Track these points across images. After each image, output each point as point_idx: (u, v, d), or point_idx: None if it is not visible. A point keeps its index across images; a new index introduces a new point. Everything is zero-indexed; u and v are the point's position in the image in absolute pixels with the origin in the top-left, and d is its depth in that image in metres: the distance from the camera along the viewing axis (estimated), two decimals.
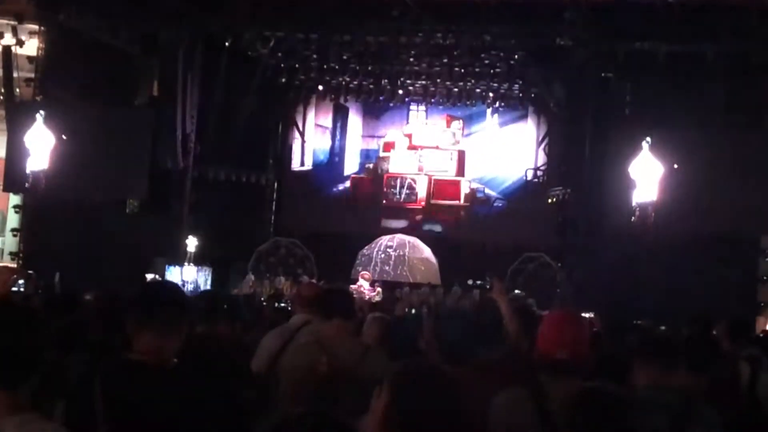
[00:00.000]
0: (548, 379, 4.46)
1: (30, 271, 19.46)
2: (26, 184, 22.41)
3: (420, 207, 29.18)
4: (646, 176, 20.57)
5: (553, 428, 4.21)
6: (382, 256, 27.18)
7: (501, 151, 28.84)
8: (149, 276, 21.78)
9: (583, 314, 14.18)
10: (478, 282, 7.42)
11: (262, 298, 19.69)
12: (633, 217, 20.50)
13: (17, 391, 3.26)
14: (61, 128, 22.20)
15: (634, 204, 20.58)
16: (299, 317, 6.98)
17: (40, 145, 22.25)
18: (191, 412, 4.05)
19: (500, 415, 4.45)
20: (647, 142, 20.49)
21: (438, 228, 28.94)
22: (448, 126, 29.35)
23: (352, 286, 22.90)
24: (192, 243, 24.55)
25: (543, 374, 4.51)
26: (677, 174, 20.00)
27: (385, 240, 27.58)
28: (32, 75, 23.33)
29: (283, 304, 15.50)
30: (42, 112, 22.29)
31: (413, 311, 18.47)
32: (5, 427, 3.17)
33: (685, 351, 4.90)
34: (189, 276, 24.09)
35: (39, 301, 9.72)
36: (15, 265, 21.65)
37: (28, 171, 22.29)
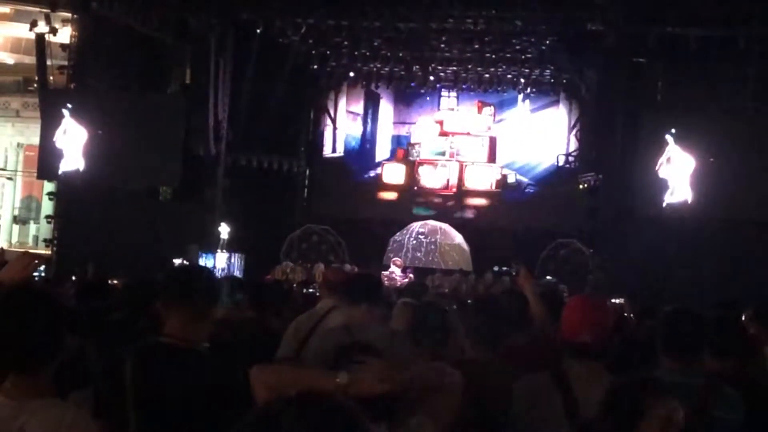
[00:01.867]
0: (572, 362, 4.49)
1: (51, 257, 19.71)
2: (60, 172, 22.64)
3: (451, 193, 29.16)
4: (677, 175, 20.60)
5: (575, 411, 4.24)
6: (414, 242, 27.21)
7: (532, 137, 28.76)
8: (176, 261, 21.93)
9: (614, 299, 14.24)
10: (505, 269, 7.50)
11: (294, 285, 19.78)
12: (664, 204, 20.56)
13: (37, 376, 3.29)
14: (95, 118, 22.37)
15: (665, 205, 20.67)
16: (326, 302, 7.02)
17: (72, 142, 22.43)
18: (220, 395, 4.10)
19: (523, 398, 4.49)
20: (672, 134, 20.45)
21: (469, 214, 28.91)
22: (480, 112, 29.29)
23: (384, 273, 22.96)
24: (224, 229, 24.66)
25: (566, 358, 4.54)
26: (708, 161, 19.93)
27: (416, 226, 27.59)
28: (65, 63, 23.49)
29: (311, 290, 15.56)
30: (69, 105, 22.43)
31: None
32: (23, 411, 3.21)
33: (712, 335, 4.91)
34: (221, 262, 24.22)
35: (69, 287, 9.84)
36: (44, 252, 21.89)
37: (60, 171, 22.53)
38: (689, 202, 20.67)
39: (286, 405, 2.01)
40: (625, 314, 10.73)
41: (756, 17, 19.94)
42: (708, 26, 21.02)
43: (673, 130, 20.54)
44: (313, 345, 6.34)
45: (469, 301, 10.99)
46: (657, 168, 21.03)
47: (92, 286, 8.89)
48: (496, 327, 5.50)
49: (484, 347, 5.41)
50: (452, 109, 29.62)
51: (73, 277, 14.91)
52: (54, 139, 22.86)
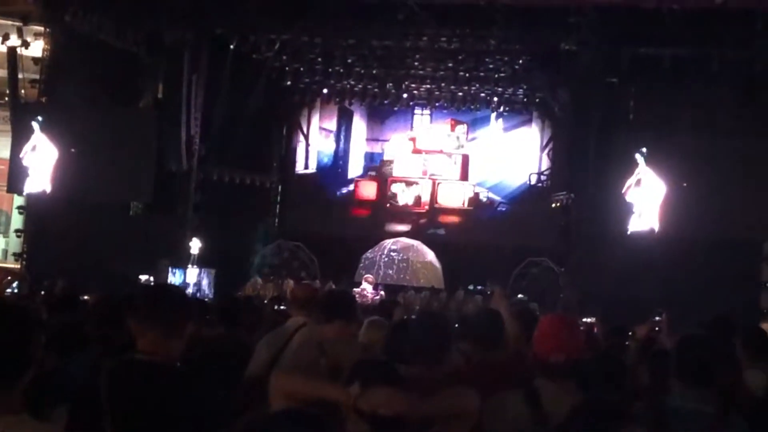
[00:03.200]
0: (544, 380, 4.49)
1: (24, 272, 19.54)
2: (26, 193, 22.48)
3: (424, 211, 29.18)
4: (645, 200, 20.72)
5: (546, 429, 4.23)
6: (386, 259, 27.19)
7: (505, 155, 28.85)
8: (143, 278, 21.82)
9: (585, 319, 14.25)
10: (479, 287, 7.53)
11: (265, 301, 19.69)
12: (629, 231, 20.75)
13: (9, 392, 3.23)
14: (66, 132, 22.21)
15: (630, 232, 20.80)
16: (296, 319, 6.99)
17: (40, 160, 22.26)
18: (194, 412, 4.09)
19: (495, 416, 4.48)
20: (642, 153, 20.57)
21: (442, 232, 28.94)
22: (453, 130, 29.35)
23: (356, 290, 22.91)
24: (195, 245, 24.55)
25: (539, 376, 4.54)
26: (678, 183, 20.06)
27: (388, 243, 27.58)
28: (37, 76, 23.36)
29: (283, 307, 15.50)
30: (40, 119, 22.24)
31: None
32: None
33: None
34: (192, 278, 24.10)
35: (39, 302, 9.75)
36: (13, 266, 21.69)
37: (25, 192, 22.35)
38: (655, 230, 20.79)
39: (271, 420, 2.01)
40: (595, 333, 10.75)
41: (728, 38, 20.09)
42: (681, 47, 21.16)
43: (644, 149, 20.66)
44: (284, 362, 6.33)
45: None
46: (624, 191, 21.12)
47: (62, 301, 8.82)
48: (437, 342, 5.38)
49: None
50: (425, 127, 29.66)
51: (42, 292, 14.78)
52: (21, 156, 22.68)
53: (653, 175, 20.85)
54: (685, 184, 20.20)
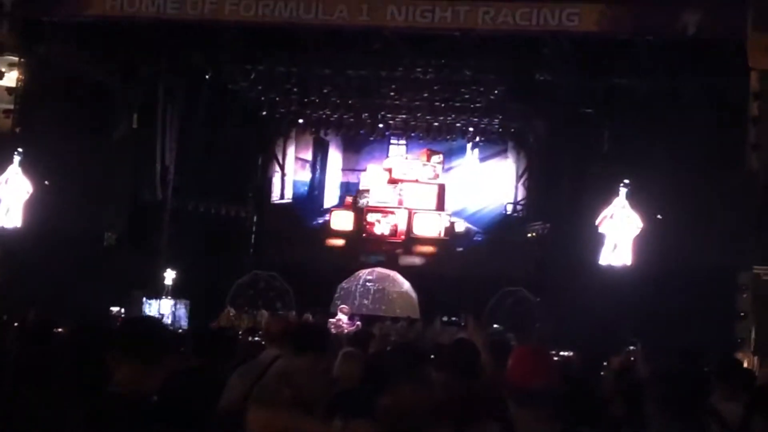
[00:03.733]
0: (518, 409, 4.47)
1: None
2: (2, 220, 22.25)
3: (400, 241, 29.17)
4: (621, 233, 20.70)
5: None
6: (362, 289, 27.12)
7: (481, 185, 28.94)
8: (114, 309, 21.69)
9: (562, 353, 14.26)
10: (453, 318, 7.55)
11: (240, 332, 19.58)
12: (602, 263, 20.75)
13: None
14: (40, 164, 22.01)
15: (605, 265, 20.78)
16: (269, 353, 6.97)
17: (12, 195, 22.04)
18: None
19: None
20: (625, 186, 20.54)
21: (417, 262, 28.93)
22: (428, 160, 29.41)
23: (331, 320, 22.87)
24: (170, 276, 24.43)
25: (513, 405, 4.52)
26: (653, 215, 20.10)
27: (364, 273, 27.53)
28: (11, 107, 23.22)
29: (257, 338, 15.43)
30: (20, 150, 22.01)
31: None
32: None
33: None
34: (166, 309, 23.95)
35: (11, 335, 9.65)
36: None
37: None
38: (628, 264, 20.79)
39: None
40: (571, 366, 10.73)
41: (702, 69, 20.22)
42: (654, 78, 21.29)
43: (626, 181, 20.65)
44: (258, 393, 6.26)
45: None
46: (599, 222, 21.09)
47: (35, 333, 8.72)
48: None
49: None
50: (401, 157, 29.70)
51: (16, 324, 14.64)
52: None
53: (628, 207, 20.85)
54: (659, 216, 20.24)
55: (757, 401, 6.19)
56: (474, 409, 5.02)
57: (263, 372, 6.56)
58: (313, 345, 6.28)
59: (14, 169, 22.06)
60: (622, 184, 20.70)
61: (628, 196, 20.68)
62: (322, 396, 3.85)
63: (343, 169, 30.32)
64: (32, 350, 7.33)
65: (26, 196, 21.96)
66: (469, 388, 5.87)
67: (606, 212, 20.94)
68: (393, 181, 29.51)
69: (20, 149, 22.02)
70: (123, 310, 21.92)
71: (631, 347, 16.83)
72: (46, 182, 21.85)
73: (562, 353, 16.24)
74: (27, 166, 22.01)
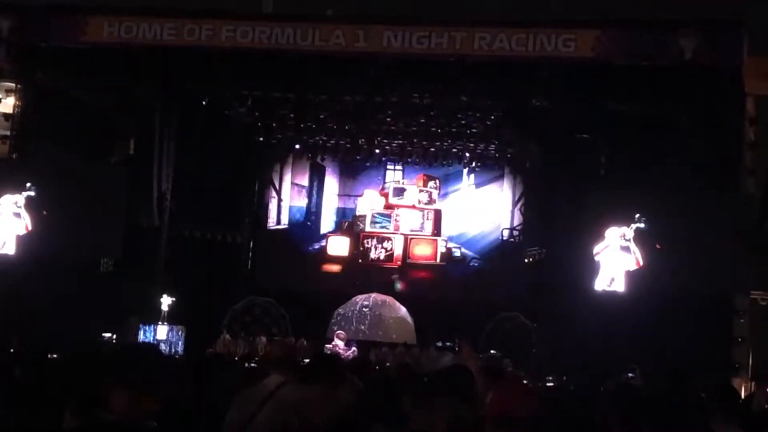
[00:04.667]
0: None
1: None
2: None
3: (396, 266, 29.13)
4: (617, 267, 20.54)
5: None
6: (358, 315, 27.04)
7: (477, 210, 28.94)
8: (106, 335, 21.64)
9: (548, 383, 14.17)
10: (448, 344, 7.56)
11: (236, 358, 19.54)
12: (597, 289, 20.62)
13: None
14: (37, 188, 21.96)
15: (600, 290, 20.65)
16: (275, 378, 6.89)
17: (12, 230, 21.99)
18: None
19: None
20: (639, 220, 20.30)
21: (414, 287, 28.86)
22: (425, 185, 29.42)
23: (327, 346, 22.79)
24: (166, 302, 24.37)
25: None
26: (653, 241, 19.99)
27: (360, 299, 27.46)
28: (8, 132, 23.22)
29: (254, 364, 15.38)
30: (28, 186, 21.87)
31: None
32: None
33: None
34: (162, 335, 23.87)
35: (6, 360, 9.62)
36: None
37: None
38: (622, 292, 20.66)
39: None
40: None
41: (698, 94, 20.27)
42: (649, 103, 21.35)
43: (638, 216, 20.39)
44: (262, 420, 6.21)
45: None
46: (597, 253, 20.89)
47: (28, 359, 8.70)
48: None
49: None
50: (398, 182, 29.71)
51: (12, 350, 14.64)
52: None
53: (632, 242, 20.53)
54: (658, 246, 20.10)
55: (755, 425, 6.18)
56: None
57: (266, 398, 6.50)
58: (327, 375, 6.24)
59: (13, 200, 21.98)
60: (636, 217, 20.41)
61: (637, 231, 20.47)
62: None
63: (340, 195, 30.32)
64: (24, 376, 7.30)
65: (24, 232, 21.87)
66: (466, 413, 5.84)
67: (606, 243, 20.78)
68: (389, 207, 29.51)
69: (28, 185, 21.91)
70: (114, 336, 21.83)
71: (630, 374, 16.80)
72: (45, 212, 21.79)
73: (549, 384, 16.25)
74: (29, 201, 21.91)
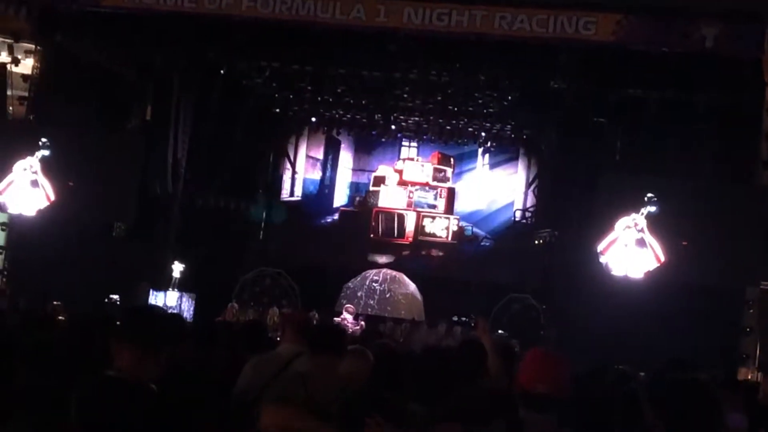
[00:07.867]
0: (527, 412, 4.47)
1: (5, 289, 19.41)
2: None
3: (407, 242, 29.18)
4: (632, 266, 19.86)
5: None
6: (368, 290, 27.14)
7: (490, 190, 28.95)
8: (114, 296, 21.73)
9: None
10: (463, 319, 7.56)
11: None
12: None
13: None
14: (53, 150, 21.96)
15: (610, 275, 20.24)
16: (290, 347, 6.92)
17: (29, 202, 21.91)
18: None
19: None
20: (650, 201, 19.40)
21: (424, 264, 28.92)
22: (439, 163, 29.42)
23: (336, 319, 22.87)
24: (177, 269, 24.47)
25: (522, 408, 4.52)
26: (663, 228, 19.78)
27: (371, 274, 27.54)
28: (26, 94, 23.27)
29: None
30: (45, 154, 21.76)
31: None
32: None
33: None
34: (172, 301, 23.99)
35: (17, 320, 9.68)
36: None
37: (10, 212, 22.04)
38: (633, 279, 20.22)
39: None
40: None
41: (715, 83, 20.20)
42: (668, 90, 21.27)
43: (650, 195, 19.62)
44: (273, 389, 6.25)
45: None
46: (602, 250, 20.26)
47: (37, 319, 8.75)
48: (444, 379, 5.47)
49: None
50: (412, 159, 29.71)
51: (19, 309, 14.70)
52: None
53: (648, 233, 19.87)
54: (684, 243, 19.67)
55: (763, 415, 6.21)
56: (482, 409, 5.03)
57: (283, 367, 6.52)
58: (331, 346, 6.26)
59: (28, 164, 21.90)
60: (647, 198, 19.38)
61: (649, 217, 19.47)
62: (336, 399, 3.88)
63: (354, 169, 30.34)
64: (34, 336, 7.35)
65: (46, 203, 21.78)
66: (478, 388, 5.88)
67: (614, 236, 20.19)
68: (403, 183, 29.52)
69: (42, 141, 21.81)
70: (118, 298, 21.91)
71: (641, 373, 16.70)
72: (71, 183, 21.75)
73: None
74: (46, 167, 21.80)
